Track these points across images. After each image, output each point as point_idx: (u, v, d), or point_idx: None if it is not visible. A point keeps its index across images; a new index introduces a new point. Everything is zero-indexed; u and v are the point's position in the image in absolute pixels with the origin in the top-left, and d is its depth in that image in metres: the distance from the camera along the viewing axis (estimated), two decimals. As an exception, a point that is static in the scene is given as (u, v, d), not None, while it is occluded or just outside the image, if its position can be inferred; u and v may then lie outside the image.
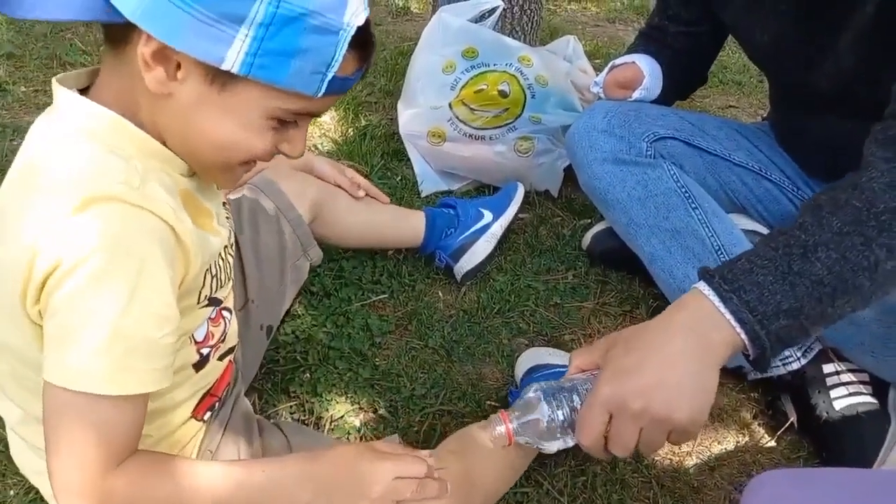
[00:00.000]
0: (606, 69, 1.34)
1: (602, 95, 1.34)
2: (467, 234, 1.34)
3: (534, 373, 1.09)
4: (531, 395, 0.75)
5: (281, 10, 0.57)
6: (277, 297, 1.11)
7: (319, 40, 0.60)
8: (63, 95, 0.63)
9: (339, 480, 0.69)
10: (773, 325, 0.67)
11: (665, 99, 1.36)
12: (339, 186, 1.23)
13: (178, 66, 0.60)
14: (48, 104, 0.67)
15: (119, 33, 0.60)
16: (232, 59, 0.58)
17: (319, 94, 0.62)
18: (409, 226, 1.31)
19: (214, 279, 0.73)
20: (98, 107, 0.62)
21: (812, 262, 0.68)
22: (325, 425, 1.06)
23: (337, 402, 1.10)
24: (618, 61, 1.34)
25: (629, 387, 0.65)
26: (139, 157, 0.63)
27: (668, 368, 0.65)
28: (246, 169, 0.71)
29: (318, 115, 0.69)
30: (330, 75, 0.62)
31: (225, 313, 0.80)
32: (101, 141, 0.61)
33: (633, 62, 1.31)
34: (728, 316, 0.67)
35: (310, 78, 0.61)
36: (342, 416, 1.08)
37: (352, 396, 1.11)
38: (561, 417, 0.72)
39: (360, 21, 0.62)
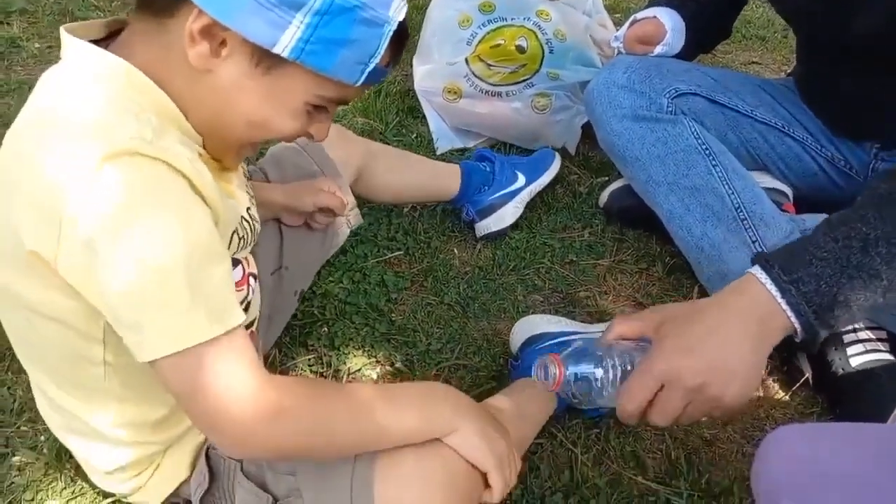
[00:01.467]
0: (627, 23, 1.31)
1: (622, 51, 1.31)
2: (500, 194, 1.34)
3: (534, 343, 1.07)
4: (584, 349, 0.75)
5: (337, 1, 0.59)
6: (313, 263, 1.11)
7: (367, 32, 0.62)
8: (74, 44, 0.62)
9: (478, 409, 0.75)
10: (827, 315, 0.70)
11: (687, 53, 1.33)
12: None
13: (224, 43, 0.60)
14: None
15: (163, 3, 0.60)
16: (284, 43, 0.59)
17: (359, 84, 0.65)
18: (445, 182, 1.31)
19: (242, 241, 0.73)
20: (115, 57, 0.61)
21: (872, 257, 0.70)
22: (342, 378, 1.08)
23: (354, 356, 1.11)
24: (639, 15, 1.30)
25: (688, 363, 0.68)
26: (154, 113, 0.61)
27: (727, 351, 0.68)
28: (257, 148, 0.72)
29: (347, 102, 0.71)
30: (371, 66, 0.64)
31: (251, 280, 0.79)
32: (115, 91, 0.60)
33: (655, 17, 1.28)
34: (785, 307, 0.70)
35: (353, 67, 0.64)
36: (359, 370, 1.09)
37: (368, 350, 1.12)
38: (611, 378, 0.73)
39: (402, 16, 0.64)
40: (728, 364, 0.68)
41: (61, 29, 0.63)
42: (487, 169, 1.36)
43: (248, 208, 0.77)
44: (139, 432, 0.75)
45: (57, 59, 0.64)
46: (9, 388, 1.01)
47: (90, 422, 0.73)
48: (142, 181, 0.56)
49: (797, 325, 0.70)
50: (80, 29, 0.64)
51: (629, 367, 0.73)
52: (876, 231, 0.70)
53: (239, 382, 0.60)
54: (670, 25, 1.27)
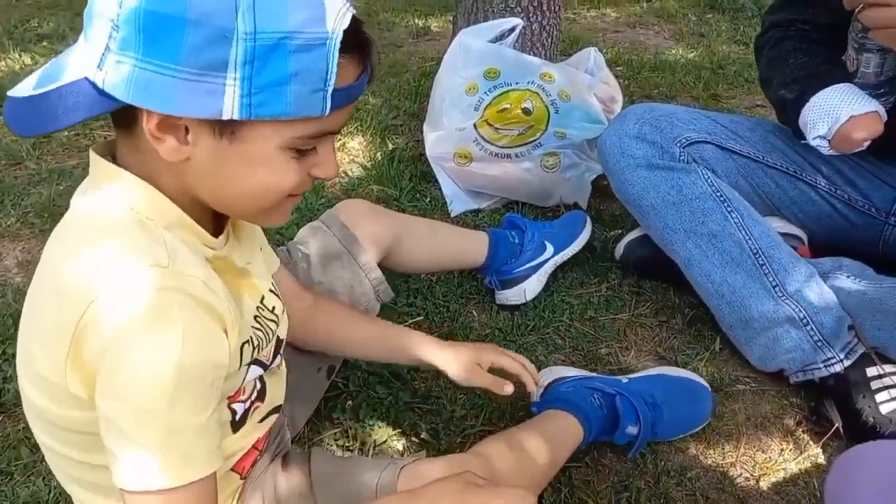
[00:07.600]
0: (838, 122, 1.09)
1: (828, 152, 1.14)
2: (526, 266, 1.33)
3: (557, 384, 1.09)
4: None
5: (259, 43, 0.55)
6: None
7: (307, 58, 0.57)
8: (96, 163, 0.64)
9: None
10: None
11: None
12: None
13: (187, 130, 0.59)
14: (89, 146, 0.68)
15: (124, 117, 0.60)
16: (229, 107, 0.57)
17: (327, 112, 0.60)
18: (472, 254, 1.30)
19: (256, 349, 0.72)
20: (129, 174, 0.63)
21: None
22: (368, 451, 1.08)
23: (379, 427, 1.12)
24: (856, 111, 1.08)
25: None
26: (165, 225, 0.63)
27: None
28: (293, 202, 0.70)
29: (335, 132, 0.66)
30: (330, 89, 0.59)
31: (275, 361, 0.79)
32: (133, 209, 0.62)
33: (876, 112, 1.09)
34: None
35: (311, 98, 0.59)
36: (385, 441, 1.10)
37: (393, 421, 1.13)
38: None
39: (346, 23, 0.58)
40: None
41: (90, 150, 0.66)
42: (516, 240, 1.34)
43: (262, 297, 0.76)
44: None
45: (85, 146, 0.67)
46: (43, 478, 1.03)
47: None
48: (148, 310, 0.57)
49: None
50: (100, 147, 0.66)
51: None
52: None
53: None
54: (882, 114, 1.11)
